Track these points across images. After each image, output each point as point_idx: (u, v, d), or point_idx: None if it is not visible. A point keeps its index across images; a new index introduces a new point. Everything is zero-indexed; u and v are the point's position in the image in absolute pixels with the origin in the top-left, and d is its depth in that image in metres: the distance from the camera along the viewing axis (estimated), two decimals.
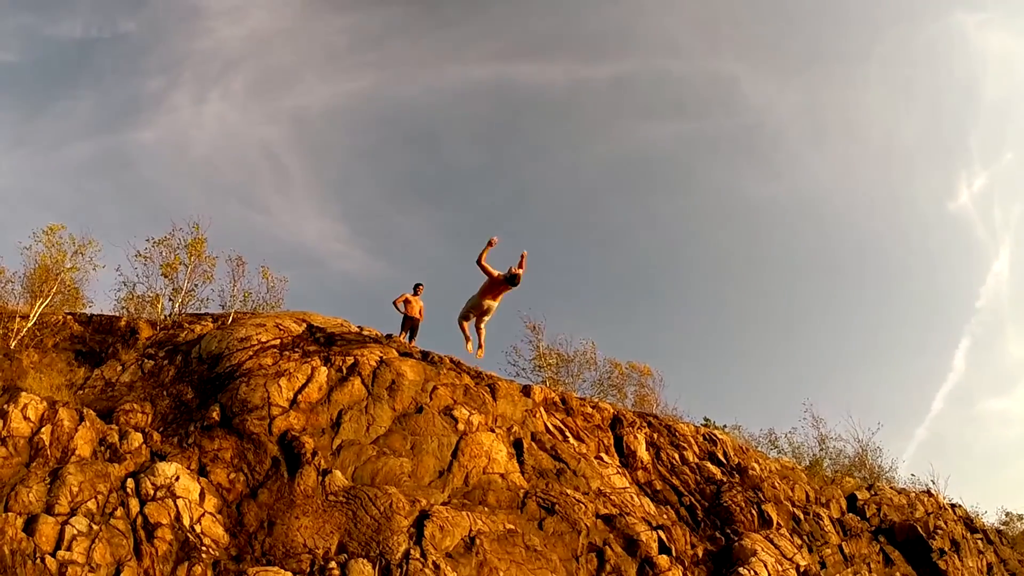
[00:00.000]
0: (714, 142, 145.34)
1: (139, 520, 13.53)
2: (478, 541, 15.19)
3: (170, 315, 22.52)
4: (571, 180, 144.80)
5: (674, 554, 18.08)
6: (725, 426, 33.15)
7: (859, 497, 27.95)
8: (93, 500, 13.34)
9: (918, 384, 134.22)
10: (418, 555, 14.21)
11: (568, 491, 18.11)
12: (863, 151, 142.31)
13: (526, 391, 22.28)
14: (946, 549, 25.91)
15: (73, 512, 12.96)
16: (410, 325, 24.65)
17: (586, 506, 17.79)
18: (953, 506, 31.29)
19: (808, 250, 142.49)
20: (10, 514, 12.69)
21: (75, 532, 12.49)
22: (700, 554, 19.36)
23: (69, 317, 21.58)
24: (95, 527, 12.79)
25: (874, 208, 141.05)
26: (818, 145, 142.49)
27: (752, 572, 18.45)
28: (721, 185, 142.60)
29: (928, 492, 31.18)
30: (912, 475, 37.15)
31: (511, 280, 18.76)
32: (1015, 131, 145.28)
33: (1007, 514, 48.48)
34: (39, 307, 20.23)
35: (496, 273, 18.73)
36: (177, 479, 14.56)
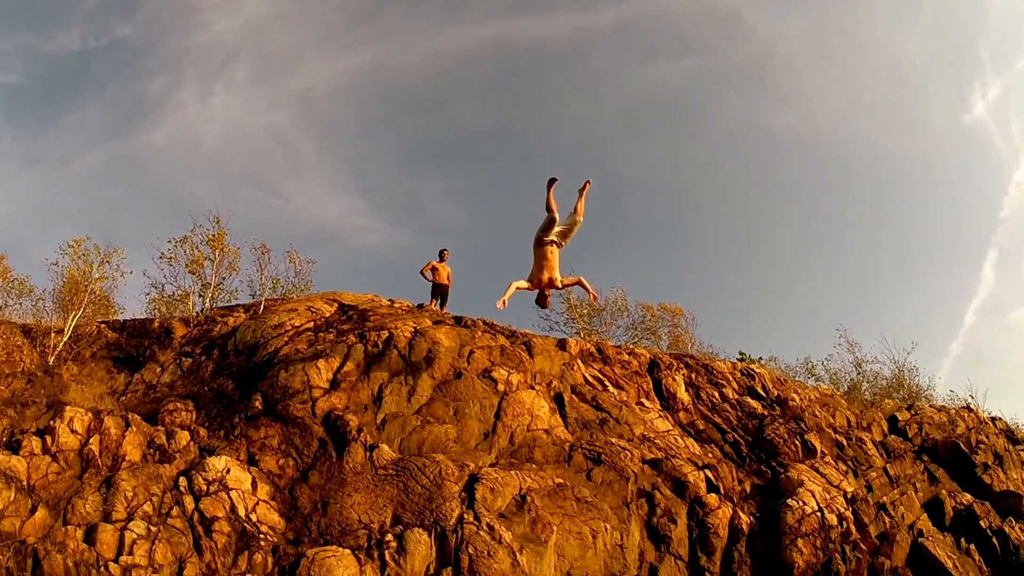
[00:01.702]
0: (722, 76, 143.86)
1: (195, 516, 13.74)
2: (529, 498, 15.36)
3: (202, 311, 22.67)
4: (583, 130, 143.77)
5: (722, 491, 18.20)
6: (761, 359, 32.99)
7: (899, 418, 27.92)
8: (148, 503, 13.55)
9: (949, 300, 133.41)
10: (472, 519, 14.38)
11: (612, 440, 18.23)
12: (873, 72, 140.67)
13: (562, 345, 22.37)
14: (989, 463, 25.88)
15: (130, 517, 13.17)
16: (440, 292, 24.73)
17: (631, 453, 17.90)
18: (993, 419, 31.18)
19: (826, 175, 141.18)
20: (69, 527, 12.91)
21: (135, 536, 12.70)
22: (748, 489, 19.47)
23: (103, 326, 21.72)
24: (153, 529, 13.00)
25: (889, 127, 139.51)
26: (827, 70, 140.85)
27: (800, 502, 18.54)
28: (733, 118, 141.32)
29: (968, 407, 31.07)
30: (951, 391, 36.84)
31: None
32: None
33: None
34: (73, 320, 20.40)
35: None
36: (228, 471, 14.76)
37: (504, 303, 15.86)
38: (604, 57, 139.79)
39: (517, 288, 16.89)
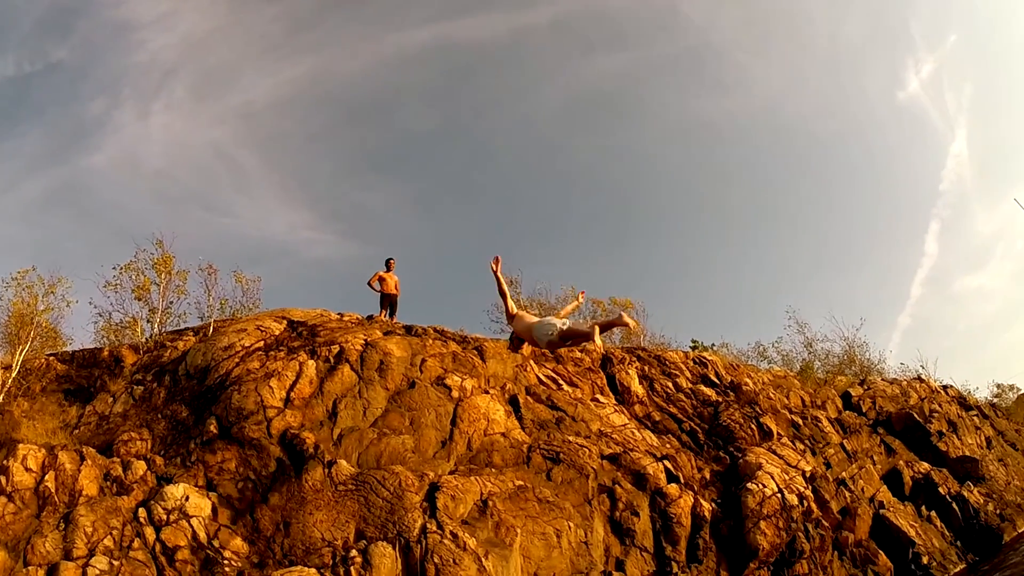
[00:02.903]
0: (661, 68, 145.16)
1: (157, 547, 13.67)
2: (490, 503, 15.45)
3: (150, 337, 22.37)
4: (528, 128, 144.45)
5: (682, 481, 18.42)
6: (713, 345, 33.48)
7: (853, 394, 28.47)
8: (109, 537, 13.45)
9: (895, 273, 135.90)
10: (435, 528, 14.44)
11: (570, 438, 18.37)
12: (809, 54, 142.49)
13: None
14: (944, 431, 26.46)
15: (92, 553, 13.08)
16: (388, 302, 24.76)
17: (590, 449, 18.04)
18: (945, 388, 31.89)
19: (768, 159, 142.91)
20: (30, 568, 12.83)
21: (97, 572, 12.62)
22: (708, 476, 19.72)
23: (51, 358, 21.43)
24: (116, 563, 12.92)
25: (827, 108, 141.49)
26: (764, 55, 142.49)
27: (760, 485, 18.80)
28: (674, 108, 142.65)
29: (919, 378, 31.79)
30: (902, 364, 37.73)
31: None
32: (956, 12, 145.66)
33: (998, 386, 49.20)
34: (20, 355, 20.14)
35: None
36: (187, 499, 14.70)
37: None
38: (543, 54, 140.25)
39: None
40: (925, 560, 19.98)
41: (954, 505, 22.61)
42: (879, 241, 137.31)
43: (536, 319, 10.35)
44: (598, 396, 21.72)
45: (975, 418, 30.44)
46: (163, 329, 23.08)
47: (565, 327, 9.73)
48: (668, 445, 20.51)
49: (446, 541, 14.19)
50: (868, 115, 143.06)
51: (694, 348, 31.90)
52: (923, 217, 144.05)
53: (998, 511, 23.38)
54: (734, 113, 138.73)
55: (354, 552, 13.97)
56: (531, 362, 21.73)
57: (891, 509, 21.19)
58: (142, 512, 14.34)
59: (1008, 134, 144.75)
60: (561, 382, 21.45)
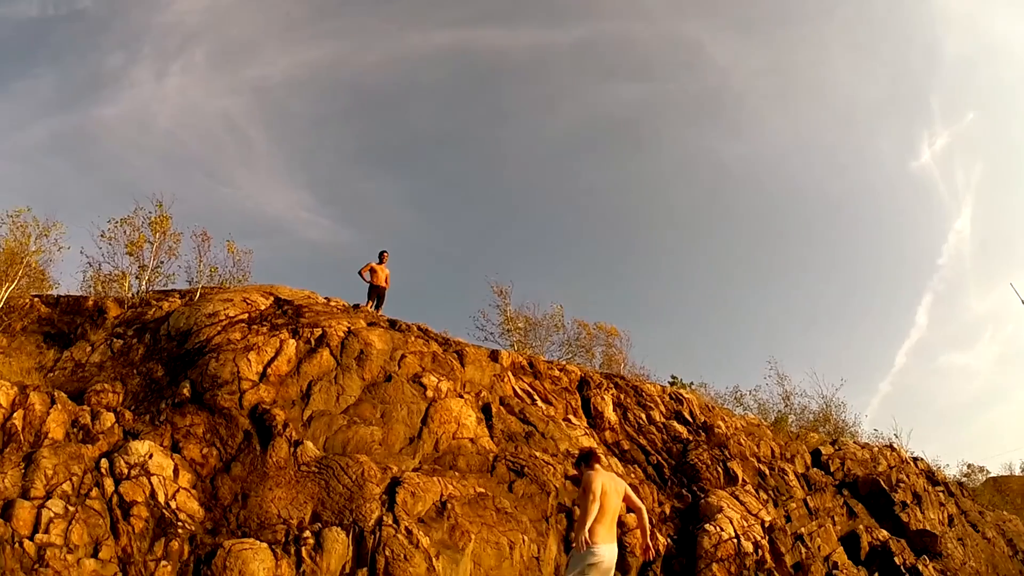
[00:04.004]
0: (679, 103, 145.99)
1: (115, 499, 13.65)
2: (449, 505, 15.48)
3: (137, 293, 22.47)
4: (538, 144, 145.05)
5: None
6: (692, 384, 33.52)
7: (823, 452, 28.49)
8: (68, 482, 13.45)
9: (881, 340, 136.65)
10: (391, 521, 14.46)
11: (537, 453, 18.42)
12: (826, 111, 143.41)
13: (494, 356, 22.54)
14: (908, 502, 26.47)
15: (49, 495, 13.05)
16: (376, 293, 24.86)
17: (555, 468, 18.10)
18: (915, 459, 31.91)
19: (773, 209, 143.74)
20: None
21: (52, 515, 12.61)
22: (668, 511, 19.75)
23: (36, 300, 21.48)
24: (71, 508, 12.92)
25: (837, 167, 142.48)
26: (782, 106, 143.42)
27: (718, 528, 18.84)
28: (687, 146, 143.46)
29: (891, 446, 31.82)
30: (875, 430, 38.07)
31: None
32: (976, 91, 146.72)
33: (968, 466, 49.63)
34: (6, 291, 20.12)
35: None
36: (150, 457, 14.67)
37: None
38: (563, 74, 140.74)
39: None
40: None
41: None
42: (871, 305, 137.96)
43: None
44: (571, 417, 21.75)
45: (941, 494, 30.52)
46: (150, 287, 23.13)
47: None
48: (633, 475, 20.51)
49: (400, 536, 14.23)
50: (877, 179, 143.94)
51: (672, 384, 31.96)
52: (918, 288, 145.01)
53: None
54: (745, 159, 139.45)
55: (308, 533, 14.00)
56: (509, 373, 21.79)
57: (844, 571, 21.22)
58: (104, 463, 14.31)
59: (1012, 218, 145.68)
60: (536, 398, 21.50)
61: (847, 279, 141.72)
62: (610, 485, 9.64)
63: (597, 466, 9.80)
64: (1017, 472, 60.78)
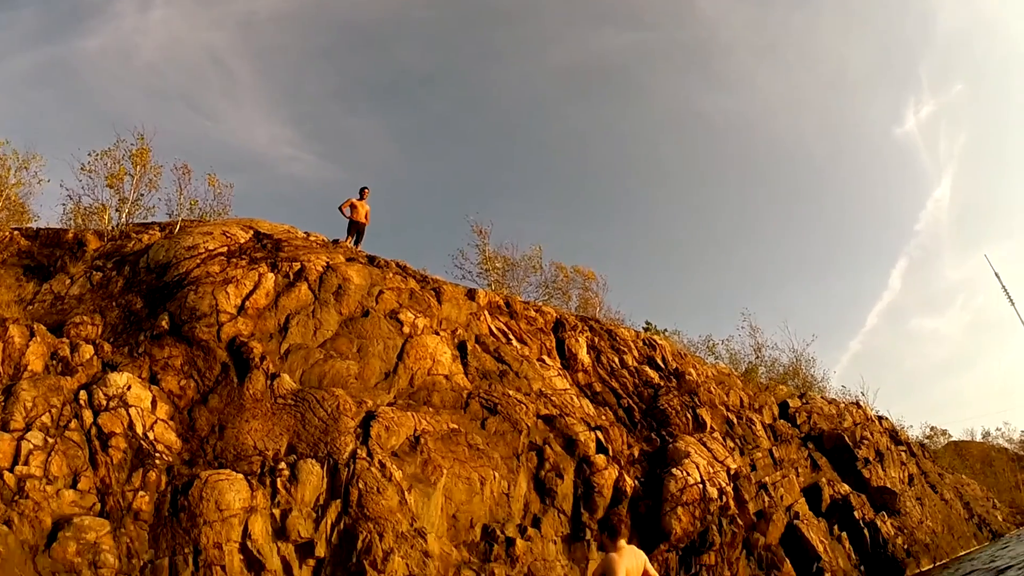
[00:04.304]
0: (666, 53, 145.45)
1: (93, 431, 13.82)
2: (422, 440, 15.74)
3: (117, 226, 22.39)
4: (526, 87, 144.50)
5: (611, 454, 18.78)
6: (665, 331, 33.93)
7: (791, 405, 28.97)
8: (47, 414, 13.60)
9: (855, 299, 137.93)
10: (364, 455, 14.69)
11: (510, 392, 18.67)
12: (814, 72, 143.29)
13: (471, 295, 22.69)
14: (871, 459, 27.05)
15: (28, 427, 13.20)
16: (356, 229, 24.90)
17: (527, 407, 18.37)
18: (880, 418, 32.55)
19: (754, 165, 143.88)
20: None
21: (31, 446, 12.77)
22: (636, 454, 20.09)
23: (16, 232, 21.41)
24: (51, 440, 13.09)
25: (823, 128, 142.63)
26: (771, 63, 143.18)
27: (684, 472, 19.19)
28: (671, 96, 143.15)
29: (857, 404, 32.51)
30: (843, 387, 38.52)
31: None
32: (966, 63, 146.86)
33: (931, 428, 50.82)
34: None
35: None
36: (129, 388, 14.83)
37: None
38: (554, 17, 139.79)
39: None
40: None
41: (866, 531, 23.12)
42: (847, 265, 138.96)
43: None
44: (545, 357, 22.01)
45: (903, 453, 31.07)
46: (130, 220, 23.09)
47: None
48: (604, 417, 20.88)
49: (373, 469, 14.47)
50: (861, 142, 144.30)
51: (647, 329, 32.28)
52: (894, 252, 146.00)
53: (906, 546, 23.92)
54: (731, 112, 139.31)
55: (283, 465, 14.22)
56: (486, 312, 21.98)
57: (805, 521, 21.63)
58: (83, 395, 14.45)
59: (991, 191, 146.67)
60: (511, 337, 21.70)
61: (826, 238, 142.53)
62: (632, 564, 9.62)
63: (621, 543, 9.70)
64: (978, 438, 62.34)
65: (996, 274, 50.88)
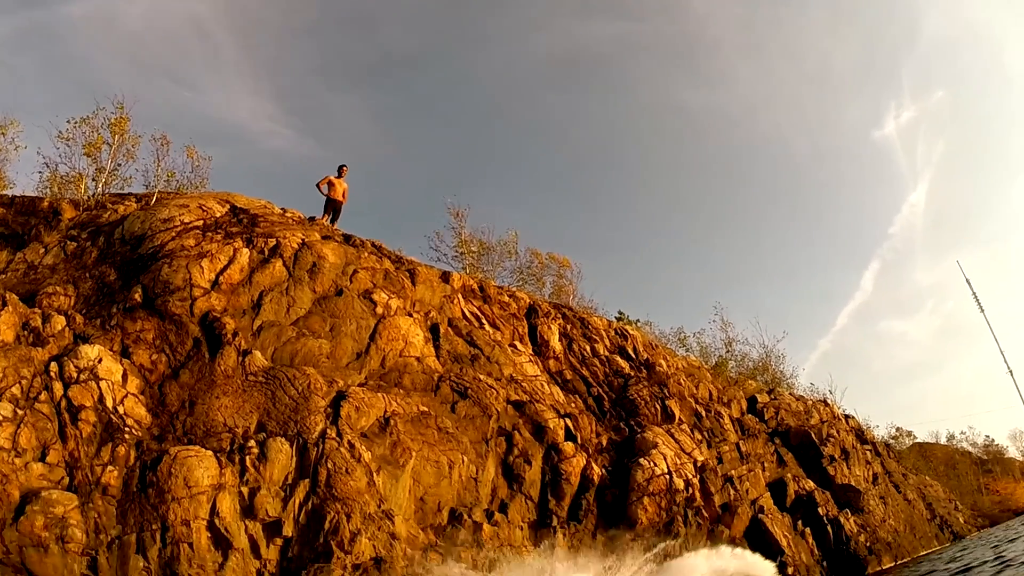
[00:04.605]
0: (654, 46, 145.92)
1: (63, 403, 13.77)
2: (392, 422, 15.81)
3: (93, 195, 22.19)
4: (508, 72, 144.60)
5: (579, 441, 18.92)
6: (637, 321, 34.16)
7: (759, 400, 29.24)
8: (17, 385, 13.51)
9: (826, 299, 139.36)
10: (334, 435, 14.77)
11: (481, 376, 18.73)
12: (797, 71, 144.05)
13: (445, 277, 22.70)
14: (836, 456, 27.38)
15: None
16: (333, 207, 24.79)
17: (498, 392, 18.46)
18: (847, 417, 33.00)
19: (734, 161, 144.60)
20: None
21: (1, 418, 12.67)
22: (604, 443, 20.22)
23: None
24: (20, 412, 13.00)
25: (803, 127, 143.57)
26: (756, 60, 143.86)
27: (652, 463, 19.35)
28: (655, 89, 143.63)
29: (824, 401, 32.88)
30: (811, 384, 39.01)
31: None
32: (949, 71, 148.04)
33: (897, 429, 51.48)
34: None
35: None
36: (100, 361, 14.77)
37: None
38: (540, 5, 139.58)
39: None
40: (790, 571, 20.67)
41: (829, 527, 23.40)
42: (820, 265, 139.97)
43: None
44: (516, 343, 22.07)
45: (868, 452, 31.45)
46: (107, 190, 22.90)
47: None
48: (573, 405, 21.03)
49: (343, 449, 14.54)
50: (841, 144, 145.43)
51: (619, 319, 32.48)
52: (866, 254, 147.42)
53: (868, 543, 24.21)
54: (713, 108, 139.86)
55: (252, 443, 14.27)
56: (459, 296, 22.00)
57: (770, 516, 21.84)
58: (54, 366, 14.36)
59: (966, 199, 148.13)
60: (484, 321, 21.74)
61: (801, 237, 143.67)
62: None
63: None
64: (943, 441, 63.26)
65: (967, 280, 51.22)
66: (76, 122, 23.14)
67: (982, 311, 51.49)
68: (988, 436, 71.74)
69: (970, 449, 67.45)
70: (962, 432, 74.79)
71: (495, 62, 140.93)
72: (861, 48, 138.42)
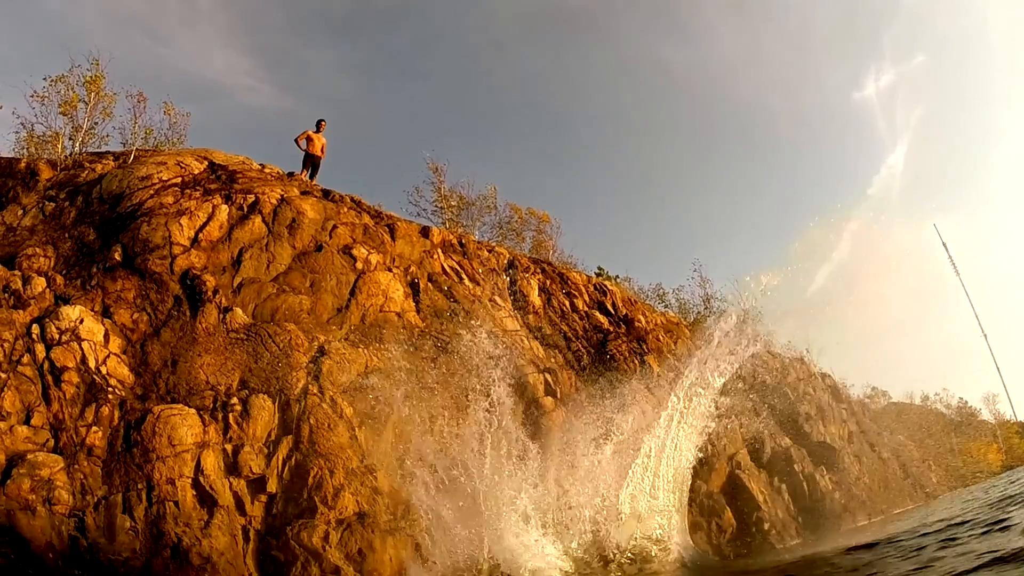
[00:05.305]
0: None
1: (46, 365, 13.87)
2: (373, 377, 15.94)
3: (71, 155, 22.05)
4: (486, 25, 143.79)
5: (559, 396, 19.06)
6: (617, 277, 34.32)
7: None
8: (0, 348, 13.69)
9: (805, 257, 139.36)
10: (316, 390, 14.96)
11: (461, 331, 18.74)
12: (779, 30, 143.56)
13: (425, 232, 22.68)
14: (812, 414, 27.76)
15: None
16: (312, 162, 24.64)
17: (478, 347, 18.52)
18: (823, 375, 33.05)
19: (712, 118, 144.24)
20: None
21: None
22: (583, 398, 20.30)
23: None
24: (3, 375, 13.13)
25: (783, 86, 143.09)
26: (737, 16, 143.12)
27: (630, 418, 19.45)
28: (634, 43, 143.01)
29: (801, 360, 32.83)
30: (788, 341, 39.00)
31: None
32: (931, 36, 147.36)
33: (872, 389, 51.58)
34: None
35: None
36: (81, 322, 14.84)
37: None
38: None
39: None
40: (766, 526, 21.03)
41: (805, 484, 23.77)
42: (795, 222, 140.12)
43: None
44: (496, 298, 22.14)
45: (844, 411, 31.80)
46: (84, 149, 22.80)
47: None
48: (553, 360, 21.21)
49: (324, 405, 14.73)
50: (820, 104, 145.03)
51: (598, 275, 32.50)
52: (845, 214, 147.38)
53: (843, 500, 24.63)
54: (694, 64, 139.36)
55: (235, 400, 14.44)
56: (439, 250, 22.01)
57: (747, 472, 22.16)
58: (35, 328, 14.45)
59: (945, 161, 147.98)
60: (464, 276, 21.80)
61: (779, 195, 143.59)
62: None
63: None
64: (917, 402, 63.60)
65: (944, 244, 51.17)
66: (52, 80, 23.01)
67: (958, 275, 51.66)
68: (962, 398, 72.16)
69: (944, 411, 67.85)
70: (936, 394, 75.15)
71: (474, 16, 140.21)
72: (842, 9, 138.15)
